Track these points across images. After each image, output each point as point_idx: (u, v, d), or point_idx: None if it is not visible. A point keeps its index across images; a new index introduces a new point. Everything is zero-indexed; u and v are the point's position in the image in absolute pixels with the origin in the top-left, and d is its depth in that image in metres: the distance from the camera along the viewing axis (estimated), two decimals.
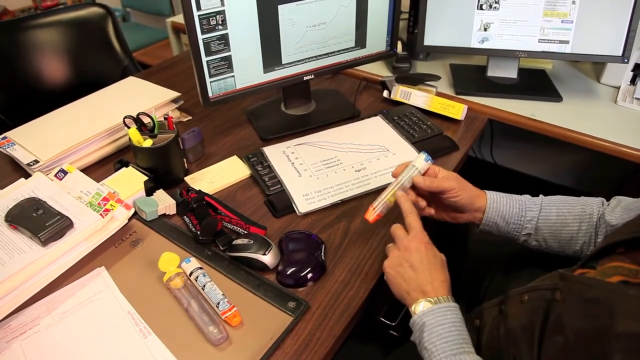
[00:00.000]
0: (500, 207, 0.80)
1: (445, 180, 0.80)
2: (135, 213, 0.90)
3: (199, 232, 0.84)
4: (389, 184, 0.96)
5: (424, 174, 0.81)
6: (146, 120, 0.98)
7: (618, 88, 1.31)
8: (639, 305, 0.47)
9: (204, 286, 0.74)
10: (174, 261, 0.77)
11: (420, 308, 0.66)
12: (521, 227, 0.80)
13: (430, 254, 0.71)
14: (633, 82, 1.30)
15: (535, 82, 1.34)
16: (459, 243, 1.10)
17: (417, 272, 0.69)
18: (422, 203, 0.82)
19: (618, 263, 0.55)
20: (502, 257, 0.97)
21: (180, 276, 0.76)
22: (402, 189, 0.80)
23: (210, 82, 1.02)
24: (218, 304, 0.71)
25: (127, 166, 0.97)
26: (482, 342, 0.70)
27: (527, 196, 0.83)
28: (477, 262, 1.01)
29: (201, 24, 0.95)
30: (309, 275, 0.77)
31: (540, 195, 0.83)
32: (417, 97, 1.21)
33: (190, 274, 0.76)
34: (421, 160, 0.81)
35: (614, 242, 0.58)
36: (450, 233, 1.17)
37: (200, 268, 0.77)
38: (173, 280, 0.75)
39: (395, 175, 0.82)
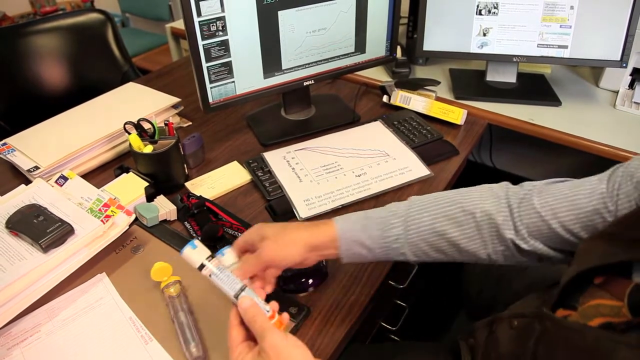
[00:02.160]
0: (357, 235, 0.66)
1: (264, 254, 0.64)
2: (136, 219, 0.90)
3: (199, 238, 0.84)
4: (389, 189, 0.97)
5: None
6: (146, 126, 0.98)
7: (617, 92, 1.31)
8: (629, 355, 0.44)
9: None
10: (166, 271, 0.77)
11: None
12: (389, 249, 0.66)
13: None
14: (631, 86, 1.31)
15: (534, 87, 1.35)
16: None
17: None
18: (257, 284, 0.66)
19: (598, 301, 0.51)
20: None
21: (176, 285, 0.75)
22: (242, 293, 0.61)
23: (211, 87, 1.03)
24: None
25: (127, 172, 0.97)
26: None
27: (392, 207, 0.69)
28: (477, 271, 1.01)
29: (201, 30, 0.95)
30: (310, 281, 0.77)
31: (411, 198, 0.69)
32: (416, 102, 1.21)
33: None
34: (222, 259, 0.65)
35: (587, 270, 0.52)
36: None
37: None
38: (168, 288, 0.75)
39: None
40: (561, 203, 0.60)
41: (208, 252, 0.62)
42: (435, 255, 0.67)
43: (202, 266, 0.61)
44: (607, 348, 0.45)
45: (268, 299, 0.62)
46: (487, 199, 0.65)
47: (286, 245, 0.65)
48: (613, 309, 0.49)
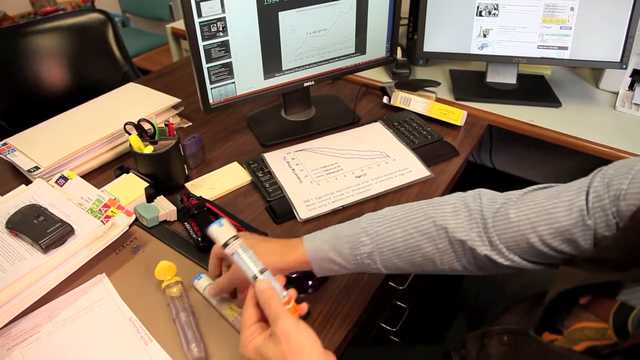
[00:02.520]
0: (328, 253, 0.67)
1: (233, 279, 0.67)
2: (136, 219, 0.90)
3: (200, 239, 0.84)
4: (389, 190, 0.97)
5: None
6: (147, 126, 0.98)
7: (617, 93, 1.32)
8: None
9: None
10: (170, 270, 0.77)
11: None
12: (362, 265, 0.67)
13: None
14: (631, 87, 1.31)
15: (535, 88, 1.35)
16: None
17: None
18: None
19: (584, 324, 0.51)
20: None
21: (178, 285, 0.75)
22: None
23: (211, 88, 1.03)
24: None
25: (127, 172, 0.97)
26: None
27: (364, 222, 0.68)
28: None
29: (202, 31, 0.95)
30: (310, 282, 0.77)
31: (384, 209, 0.69)
32: (417, 103, 1.21)
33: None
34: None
35: (572, 289, 0.52)
36: None
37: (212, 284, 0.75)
38: (170, 288, 0.75)
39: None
40: (540, 216, 0.58)
41: (234, 232, 0.63)
42: (409, 268, 0.66)
43: (225, 245, 0.62)
44: None
45: None
46: (460, 212, 0.63)
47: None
48: (598, 332, 0.48)
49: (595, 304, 0.50)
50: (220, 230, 0.62)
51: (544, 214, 0.58)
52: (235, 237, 0.62)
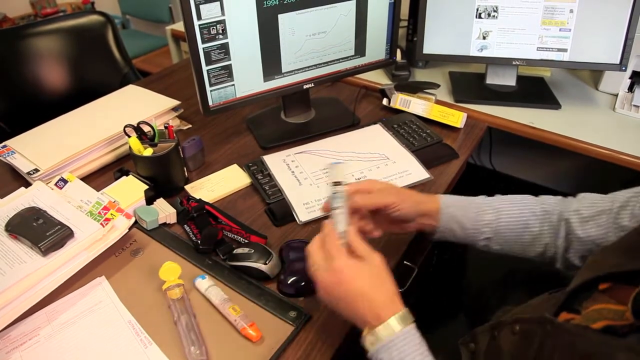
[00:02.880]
0: (456, 212, 0.76)
1: (382, 196, 0.74)
2: (136, 222, 0.90)
3: (199, 241, 0.84)
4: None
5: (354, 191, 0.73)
6: (146, 129, 0.98)
7: (616, 95, 1.32)
8: (628, 358, 0.44)
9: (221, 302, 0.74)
10: (175, 271, 0.77)
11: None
12: (478, 232, 0.75)
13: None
14: (631, 89, 1.31)
15: (534, 90, 1.35)
16: (459, 255, 1.09)
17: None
18: (368, 227, 0.75)
19: (602, 305, 0.52)
20: (500, 267, 0.97)
21: (179, 288, 0.75)
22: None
23: (211, 90, 1.03)
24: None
25: (127, 175, 0.97)
26: None
27: (483, 197, 0.78)
28: (477, 273, 1.01)
29: (202, 33, 0.95)
30: (310, 285, 0.77)
31: (497, 195, 0.79)
32: (416, 105, 1.21)
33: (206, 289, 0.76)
34: (337, 175, 0.70)
35: (595, 278, 0.54)
36: (449, 245, 1.17)
37: (214, 285, 0.76)
38: (172, 290, 0.75)
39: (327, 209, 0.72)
40: (583, 203, 0.72)
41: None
42: (513, 245, 0.75)
43: (338, 183, 0.68)
44: (606, 351, 0.45)
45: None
46: (558, 204, 0.74)
47: (404, 200, 0.74)
48: (617, 313, 0.49)
49: (615, 290, 0.53)
50: (341, 169, 0.70)
51: (589, 201, 0.72)
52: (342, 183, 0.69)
